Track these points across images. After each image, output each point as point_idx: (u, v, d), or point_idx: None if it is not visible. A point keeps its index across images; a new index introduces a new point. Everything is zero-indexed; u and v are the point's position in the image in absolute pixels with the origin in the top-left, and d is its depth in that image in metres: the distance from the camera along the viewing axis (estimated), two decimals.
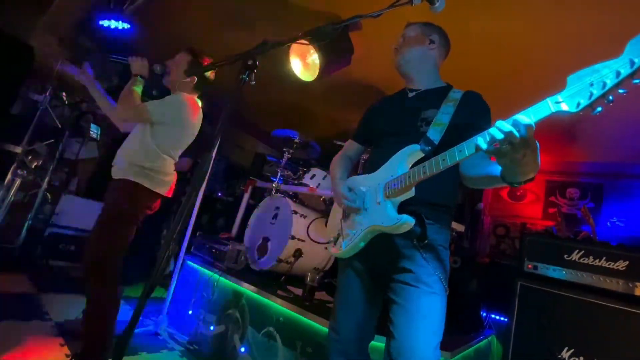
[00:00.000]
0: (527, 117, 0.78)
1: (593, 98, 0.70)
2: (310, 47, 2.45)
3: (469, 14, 2.10)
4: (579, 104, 0.72)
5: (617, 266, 2.10)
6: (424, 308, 1.08)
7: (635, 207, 3.66)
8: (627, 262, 2.08)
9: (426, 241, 1.12)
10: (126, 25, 2.87)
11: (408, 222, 1.05)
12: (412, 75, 1.38)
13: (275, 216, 2.90)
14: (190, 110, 1.96)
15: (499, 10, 2.04)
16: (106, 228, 1.76)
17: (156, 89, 2.05)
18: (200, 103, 2.08)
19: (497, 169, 0.96)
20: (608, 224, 3.72)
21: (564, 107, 0.74)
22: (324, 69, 2.48)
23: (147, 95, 1.97)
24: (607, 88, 0.68)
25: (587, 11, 1.88)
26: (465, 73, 2.25)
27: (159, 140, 1.89)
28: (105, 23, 2.84)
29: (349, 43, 2.51)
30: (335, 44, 2.42)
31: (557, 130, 3.25)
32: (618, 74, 0.67)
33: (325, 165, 2.95)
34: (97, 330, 1.68)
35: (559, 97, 0.75)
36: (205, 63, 2.01)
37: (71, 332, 2.09)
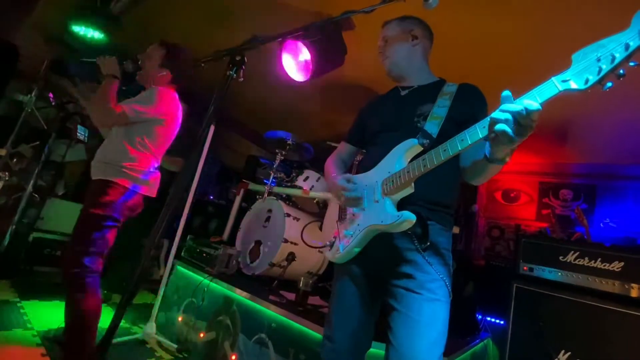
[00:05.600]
0: (533, 100, 0.75)
1: (602, 73, 0.67)
2: (303, 46, 2.41)
3: (463, 10, 2.08)
4: (587, 81, 0.69)
5: (612, 267, 2.09)
6: (427, 317, 1.02)
7: (627, 208, 3.68)
8: (622, 263, 2.06)
9: (428, 243, 1.06)
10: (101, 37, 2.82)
11: (409, 219, 0.98)
12: (404, 75, 1.35)
13: (267, 219, 2.85)
14: (167, 103, 1.88)
15: (493, 7, 2.03)
16: (81, 232, 1.68)
17: (128, 84, 1.96)
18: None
19: (481, 153, 0.95)
20: (601, 224, 3.73)
21: (572, 85, 0.71)
22: (317, 69, 2.43)
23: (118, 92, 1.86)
24: (616, 62, 0.66)
25: (581, 11, 1.87)
26: (456, 70, 2.21)
27: (136, 136, 1.82)
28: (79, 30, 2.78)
29: (342, 43, 2.47)
30: (328, 43, 2.38)
31: (549, 131, 3.25)
32: (627, 46, 0.65)
33: (318, 167, 2.90)
34: (77, 339, 1.60)
35: (565, 75, 0.72)
36: (180, 56, 1.95)
37: (53, 341, 2.01)
